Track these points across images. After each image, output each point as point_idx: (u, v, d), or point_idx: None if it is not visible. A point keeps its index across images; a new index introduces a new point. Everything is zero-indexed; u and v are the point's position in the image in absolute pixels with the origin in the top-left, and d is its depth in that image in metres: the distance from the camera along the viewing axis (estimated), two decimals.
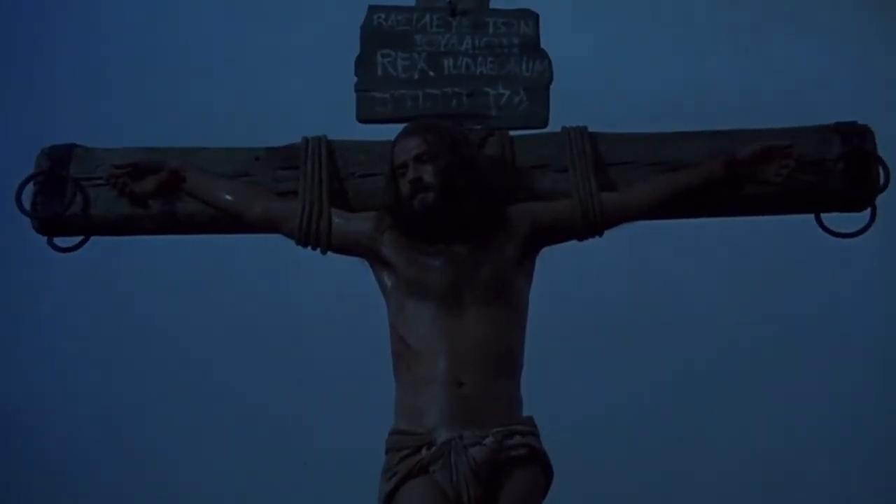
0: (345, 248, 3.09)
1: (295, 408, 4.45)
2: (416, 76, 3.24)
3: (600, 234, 3.11)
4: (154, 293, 4.54)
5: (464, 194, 2.97)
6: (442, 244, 2.99)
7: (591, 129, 3.20)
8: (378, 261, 3.05)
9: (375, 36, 3.27)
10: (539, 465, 2.88)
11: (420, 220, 2.97)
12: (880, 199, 3.14)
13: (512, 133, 3.23)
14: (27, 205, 3.11)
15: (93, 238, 3.18)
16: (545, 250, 3.11)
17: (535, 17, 3.28)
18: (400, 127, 3.12)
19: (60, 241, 3.18)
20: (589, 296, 4.53)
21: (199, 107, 4.50)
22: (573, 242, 3.12)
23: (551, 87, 3.25)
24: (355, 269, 3.08)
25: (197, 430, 4.46)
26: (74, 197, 3.11)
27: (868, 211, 3.16)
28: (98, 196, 3.15)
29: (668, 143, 3.21)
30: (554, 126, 3.24)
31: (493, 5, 3.32)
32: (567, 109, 3.25)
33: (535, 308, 3.04)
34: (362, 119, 3.25)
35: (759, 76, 4.53)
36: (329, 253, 3.08)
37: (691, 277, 4.56)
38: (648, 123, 3.23)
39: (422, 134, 3.02)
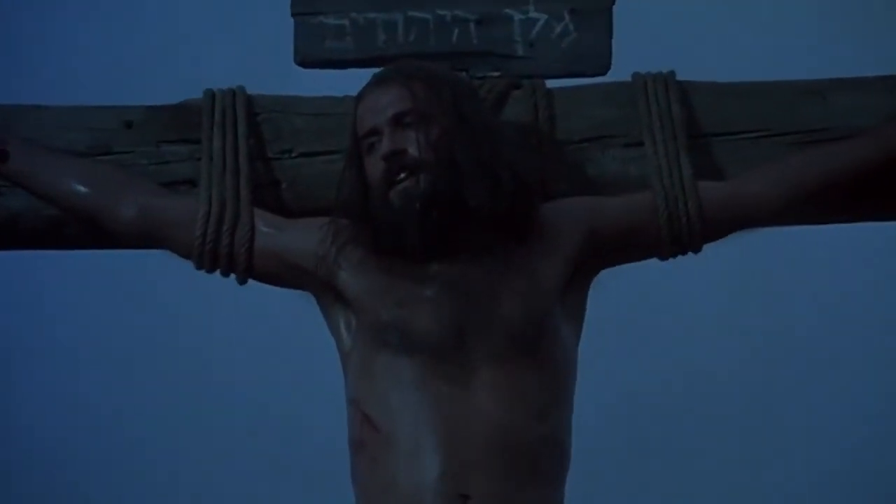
0: (275, 275, 2.90)
1: None
2: None
3: (696, 249, 2.88)
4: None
5: (472, 180, 2.76)
6: (435, 264, 2.77)
7: (680, 77, 3.03)
8: (329, 295, 2.85)
9: None
10: None
11: (400, 223, 2.76)
12: None
13: (550, 84, 3.06)
14: None
15: None
16: (602, 274, 2.97)
17: None
18: (368, 75, 2.94)
19: None
20: None
21: (37, 40, 4.57)
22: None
23: (615, 7, 3.09)
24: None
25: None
26: None
27: None
28: None
29: (811, 97, 3.01)
30: (619, 72, 3.08)
31: None
32: (640, 45, 3.18)
33: None
34: (304, 61, 3.09)
35: None
36: (250, 281, 2.92)
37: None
38: (771, 68, 3.09)
39: (404, 82, 2.82)
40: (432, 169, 2.77)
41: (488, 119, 2.90)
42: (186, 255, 2.91)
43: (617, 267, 3.17)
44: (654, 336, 4.88)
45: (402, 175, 2.78)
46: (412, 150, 2.77)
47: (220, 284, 3.57)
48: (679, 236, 2.87)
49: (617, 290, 3.72)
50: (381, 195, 2.78)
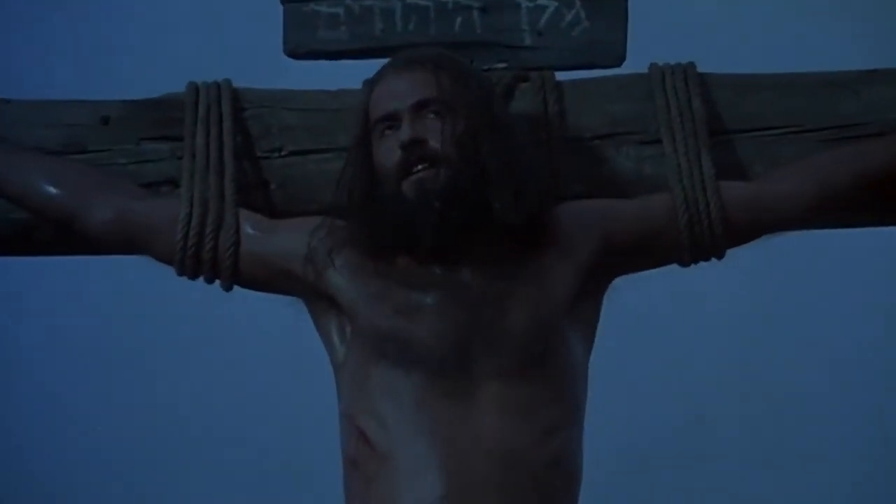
0: (262, 281, 2.84)
1: None
2: None
3: (719, 255, 2.82)
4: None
5: (498, 183, 2.71)
6: (439, 269, 2.71)
7: (701, 69, 2.98)
8: (322, 301, 2.78)
9: None
10: None
11: (412, 218, 2.70)
12: None
13: (560, 76, 3.00)
14: None
15: None
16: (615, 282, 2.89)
17: None
18: (364, 67, 2.92)
19: None
20: None
21: (6, 29, 4.58)
22: None
23: None
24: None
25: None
26: None
27: None
28: None
29: (842, 90, 2.95)
30: (634, 64, 3.02)
31: None
32: (658, 34, 3.24)
33: None
34: (295, 52, 3.04)
35: None
36: (236, 287, 2.86)
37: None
38: (798, 59, 3.06)
39: (431, 68, 2.76)
40: (454, 164, 2.71)
41: (511, 120, 2.89)
42: (167, 261, 2.84)
43: (631, 276, 3.06)
44: (663, 354, 4.84)
45: (420, 166, 2.72)
46: (433, 142, 2.71)
47: (205, 290, 3.66)
48: (700, 240, 2.82)
49: (625, 305, 3.93)
50: (394, 186, 2.72)
